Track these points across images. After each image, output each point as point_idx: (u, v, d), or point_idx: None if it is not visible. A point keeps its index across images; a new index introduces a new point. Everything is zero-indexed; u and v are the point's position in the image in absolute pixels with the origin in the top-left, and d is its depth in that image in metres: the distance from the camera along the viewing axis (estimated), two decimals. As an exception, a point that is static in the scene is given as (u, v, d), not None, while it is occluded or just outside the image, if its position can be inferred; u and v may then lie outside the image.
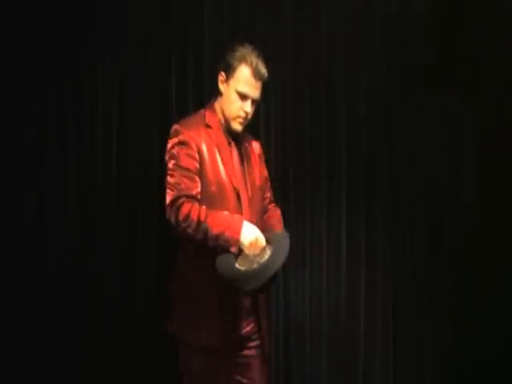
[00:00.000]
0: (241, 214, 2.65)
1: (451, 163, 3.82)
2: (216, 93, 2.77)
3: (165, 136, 3.43)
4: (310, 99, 3.67)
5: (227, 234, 2.44)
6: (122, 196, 3.44)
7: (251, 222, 2.61)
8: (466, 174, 3.81)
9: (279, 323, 3.58)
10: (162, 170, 3.43)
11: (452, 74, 3.82)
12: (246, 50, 2.70)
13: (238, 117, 2.69)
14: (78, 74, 3.43)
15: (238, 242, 2.44)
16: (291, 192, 3.62)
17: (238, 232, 2.44)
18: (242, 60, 2.66)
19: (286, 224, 3.41)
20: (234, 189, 2.66)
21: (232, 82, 2.67)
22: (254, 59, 2.67)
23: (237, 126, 2.72)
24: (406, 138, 3.79)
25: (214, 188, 2.61)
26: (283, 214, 3.07)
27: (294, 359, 3.61)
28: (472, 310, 3.74)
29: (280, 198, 3.42)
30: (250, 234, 2.45)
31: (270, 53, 3.11)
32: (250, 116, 2.73)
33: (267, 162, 3.05)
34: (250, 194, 2.73)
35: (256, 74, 2.66)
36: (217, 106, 2.75)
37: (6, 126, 3.34)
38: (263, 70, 2.68)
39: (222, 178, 2.63)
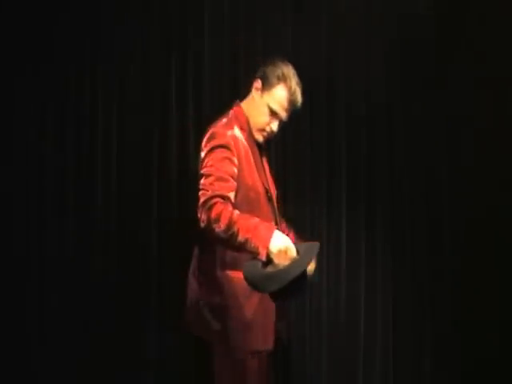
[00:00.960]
0: (275, 217, 2.66)
1: (451, 163, 3.82)
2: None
3: (165, 136, 3.49)
4: (310, 99, 3.67)
5: (256, 239, 2.34)
6: (122, 196, 3.44)
7: (280, 223, 2.65)
8: (466, 174, 3.81)
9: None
10: (162, 170, 3.48)
11: (452, 73, 3.82)
12: (288, 71, 2.65)
13: (263, 131, 2.67)
14: (78, 74, 3.43)
15: (266, 250, 2.33)
16: (291, 192, 3.62)
17: (268, 239, 2.33)
18: (282, 80, 2.62)
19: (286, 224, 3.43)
20: (267, 193, 2.66)
21: (266, 96, 2.63)
22: (294, 84, 2.62)
23: (259, 138, 2.69)
24: (406, 138, 3.80)
25: (252, 193, 2.58)
26: (283, 214, 3.07)
27: (293, 359, 3.61)
28: (472, 309, 3.74)
29: (280, 198, 3.42)
30: (279, 243, 2.34)
31: (270, 53, 3.10)
32: (274, 133, 2.71)
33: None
34: (276, 195, 2.76)
35: (291, 101, 2.63)
36: (245, 107, 2.70)
37: (6, 126, 3.34)
38: (299, 99, 2.65)
39: (257, 182, 2.62)
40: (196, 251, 2.70)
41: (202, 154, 2.56)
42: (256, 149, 2.68)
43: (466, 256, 3.78)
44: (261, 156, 2.72)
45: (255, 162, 2.63)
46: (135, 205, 3.44)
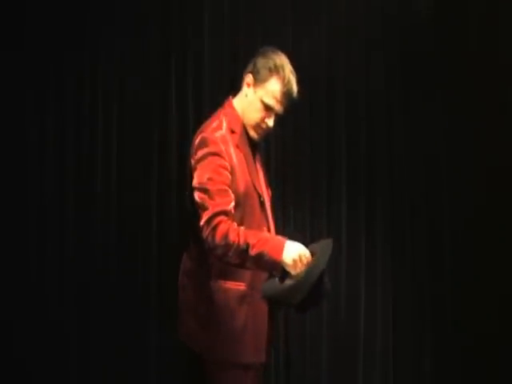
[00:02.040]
0: (267, 223, 2.53)
1: (451, 163, 3.82)
2: (233, 91, 2.60)
3: (165, 136, 3.49)
4: (310, 99, 3.67)
5: (269, 254, 2.24)
6: (122, 196, 3.44)
7: (273, 229, 2.51)
8: (465, 173, 3.81)
9: (279, 323, 3.57)
10: (162, 170, 3.48)
11: (452, 73, 3.82)
12: (280, 61, 2.47)
13: (259, 127, 2.51)
14: (78, 73, 3.43)
15: (280, 263, 2.24)
16: (291, 192, 3.62)
17: (280, 252, 2.24)
18: (275, 72, 2.45)
19: (286, 224, 3.44)
20: (260, 198, 2.51)
21: (259, 90, 2.47)
22: (287, 74, 2.45)
23: (254, 135, 2.53)
24: (405, 137, 3.80)
25: (244, 198, 2.43)
26: (283, 214, 3.06)
27: (293, 359, 3.61)
28: (472, 309, 3.74)
29: (280, 198, 3.43)
30: (292, 253, 2.24)
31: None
32: (270, 129, 2.55)
33: (267, 163, 3.05)
34: (269, 199, 2.62)
35: (286, 92, 2.46)
36: (237, 105, 2.54)
37: (6, 126, 3.34)
38: (294, 89, 2.48)
39: (249, 187, 2.47)
40: (186, 257, 2.56)
41: (193, 162, 2.42)
42: (249, 150, 2.53)
43: (465, 256, 3.78)
44: (254, 157, 2.58)
45: (248, 164, 2.49)
46: (135, 205, 3.44)
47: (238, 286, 2.42)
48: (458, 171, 3.81)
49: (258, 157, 2.65)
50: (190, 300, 2.49)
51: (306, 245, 2.32)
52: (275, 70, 2.46)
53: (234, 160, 2.43)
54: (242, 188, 2.44)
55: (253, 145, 2.59)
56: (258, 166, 2.63)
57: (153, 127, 3.48)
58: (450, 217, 3.81)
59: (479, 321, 3.71)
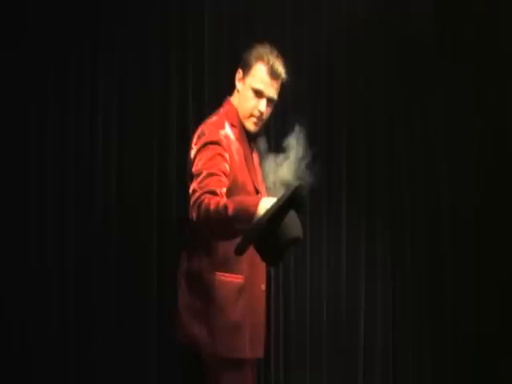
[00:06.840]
0: None
1: (451, 162, 3.82)
2: (232, 90, 2.67)
3: (164, 136, 3.49)
4: (310, 99, 3.68)
5: (245, 209, 2.22)
6: (122, 196, 3.44)
7: None
8: (465, 175, 3.81)
9: (279, 323, 3.58)
10: (162, 170, 3.48)
11: (452, 74, 3.83)
12: (263, 49, 2.61)
13: (252, 116, 2.59)
14: (78, 73, 3.43)
15: (254, 215, 2.21)
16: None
17: (256, 206, 2.22)
18: (259, 58, 2.58)
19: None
20: (257, 193, 2.57)
21: (248, 80, 2.58)
22: (271, 58, 2.58)
23: (250, 126, 2.61)
24: (405, 138, 3.80)
25: (241, 193, 2.48)
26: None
27: (293, 359, 3.61)
28: (472, 309, 3.74)
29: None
30: (266, 206, 2.21)
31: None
32: (265, 117, 2.63)
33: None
34: (265, 194, 2.66)
35: (272, 72, 2.57)
36: (234, 101, 2.65)
37: (6, 126, 3.34)
38: (280, 69, 2.59)
39: (247, 182, 2.53)
40: (184, 253, 2.58)
41: (192, 153, 2.47)
42: (247, 146, 2.62)
43: (466, 255, 3.78)
44: (251, 153, 2.65)
45: (246, 160, 2.57)
46: (135, 205, 3.44)
47: (236, 279, 2.45)
48: (458, 170, 3.81)
49: (255, 155, 2.71)
50: (187, 295, 2.50)
51: None
52: (259, 56, 2.58)
53: (234, 153, 2.50)
54: (239, 181, 2.49)
55: (250, 142, 2.66)
56: (256, 164, 2.68)
57: (153, 127, 3.48)
58: (450, 216, 3.81)
59: (479, 321, 3.72)
